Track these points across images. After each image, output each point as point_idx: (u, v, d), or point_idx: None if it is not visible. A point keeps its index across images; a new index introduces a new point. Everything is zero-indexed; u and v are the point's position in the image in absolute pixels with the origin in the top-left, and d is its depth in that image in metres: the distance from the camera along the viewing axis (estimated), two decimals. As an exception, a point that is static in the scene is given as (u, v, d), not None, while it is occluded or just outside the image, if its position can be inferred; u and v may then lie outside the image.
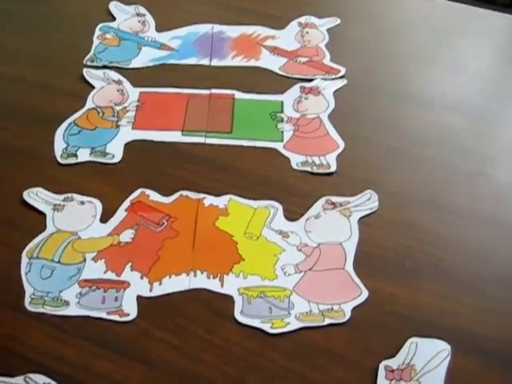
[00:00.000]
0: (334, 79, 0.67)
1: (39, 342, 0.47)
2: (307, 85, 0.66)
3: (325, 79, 0.67)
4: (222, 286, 0.50)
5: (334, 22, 0.74)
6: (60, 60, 0.70)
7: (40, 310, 0.49)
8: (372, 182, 0.58)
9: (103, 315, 0.49)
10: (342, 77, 0.67)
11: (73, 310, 0.49)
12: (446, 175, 0.60)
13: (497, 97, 0.68)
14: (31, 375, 0.45)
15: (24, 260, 0.52)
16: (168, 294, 0.50)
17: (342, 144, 0.61)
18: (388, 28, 0.76)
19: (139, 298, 0.50)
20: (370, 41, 0.73)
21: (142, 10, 0.76)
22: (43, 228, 0.54)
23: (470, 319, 0.49)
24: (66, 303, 0.49)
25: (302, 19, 0.75)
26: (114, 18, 0.75)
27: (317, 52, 0.70)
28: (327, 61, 0.69)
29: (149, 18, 0.74)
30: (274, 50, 0.70)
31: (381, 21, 0.77)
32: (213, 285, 0.50)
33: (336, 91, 0.66)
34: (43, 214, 0.55)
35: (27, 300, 0.49)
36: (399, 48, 0.73)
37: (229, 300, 0.50)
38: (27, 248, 0.53)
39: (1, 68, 0.69)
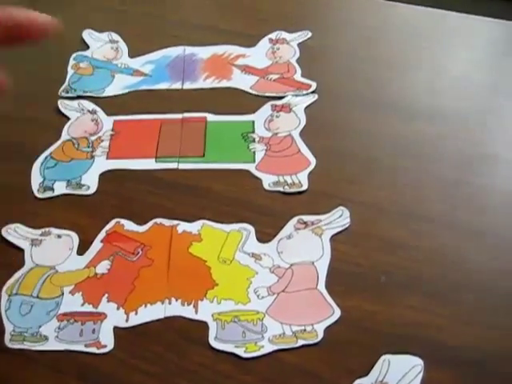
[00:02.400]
0: (305, 95, 0.67)
1: (19, 379, 0.48)
2: (278, 102, 0.67)
3: (296, 95, 0.67)
4: (196, 312, 0.51)
5: (305, 35, 0.75)
6: (35, 92, 0.71)
7: (20, 346, 0.50)
8: (344, 197, 0.58)
9: (81, 348, 0.50)
10: (313, 92, 0.68)
11: (52, 345, 0.50)
12: (421, 186, 0.60)
13: (477, 104, 0.68)
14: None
15: (4, 297, 0.53)
16: (144, 323, 0.51)
17: (313, 161, 0.61)
18: (361, 36, 0.76)
19: (116, 329, 0.51)
20: (342, 51, 0.74)
21: (115, 36, 0.77)
22: (22, 264, 0.55)
23: (445, 331, 0.49)
24: (46, 338, 0.50)
25: (273, 35, 0.75)
26: (87, 46, 0.76)
27: (288, 68, 0.70)
28: (298, 76, 0.70)
29: (122, 44, 0.75)
30: (245, 69, 0.71)
31: (353, 29, 0.77)
32: (187, 312, 0.51)
33: (307, 107, 0.66)
34: (22, 250, 0.56)
35: (7, 337, 0.50)
36: (372, 56, 0.73)
37: (203, 326, 0.50)
38: (7, 285, 0.54)
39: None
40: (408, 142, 0.64)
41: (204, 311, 0.51)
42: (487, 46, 0.78)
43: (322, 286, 0.52)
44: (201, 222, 0.57)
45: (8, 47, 0.40)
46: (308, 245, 0.55)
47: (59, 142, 0.65)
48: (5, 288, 0.54)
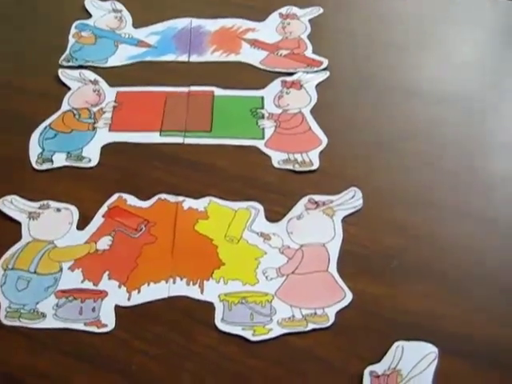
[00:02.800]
0: (316, 72, 0.65)
1: (16, 357, 0.46)
2: (288, 79, 0.64)
3: (307, 72, 0.65)
4: (201, 292, 0.49)
5: (316, 11, 0.72)
6: (35, 60, 0.68)
7: (16, 323, 0.47)
8: (356, 178, 0.56)
9: (81, 327, 0.47)
10: (324, 69, 0.65)
11: (50, 323, 0.48)
12: (433, 170, 0.58)
13: (489, 87, 0.66)
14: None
15: (-1, 272, 0.51)
16: (147, 303, 0.49)
17: (324, 140, 0.59)
18: (373, 17, 0.74)
19: (117, 308, 0.48)
20: (354, 31, 0.71)
21: (119, 5, 0.74)
22: (19, 237, 0.53)
23: (457, 320, 0.47)
24: (43, 315, 0.48)
25: (283, 10, 0.73)
26: (90, 15, 0.73)
27: (298, 44, 0.68)
28: (309, 53, 0.67)
29: (125, 13, 0.72)
30: (255, 43, 0.68)
31: (365, 10, 0.75)
32: (193, 291, 0.49)
33: (318, 84, 0.64)
34: (18, 223, 0.54)
35: (3, 313, 0.48)
36: (385, 37, 0.71)
37: (209, 307, 0.48)
38: (2, 259, 0.51)
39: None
40: (421, 126, 0.62)
41: (210, 291, 0.49)
42: (500, 28, 0.76)
43: (333, 269, 0.50)
44: (207, 198, 0.55)
45: None
46: (319, 226, 0.53)
47: (59, 113, 0.62)
48: (0, 262, 0.51)
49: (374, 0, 0.76)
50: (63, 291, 0.49)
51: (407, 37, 0.71)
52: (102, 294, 0.49)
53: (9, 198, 0.55)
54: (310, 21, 0.71)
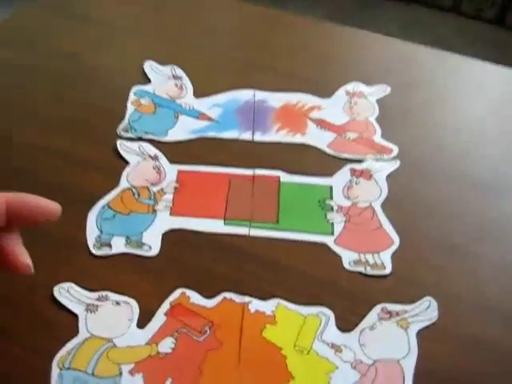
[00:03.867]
0: (386, 160, 0.62)
1: None
2: (358, 167, 0.61)
3: (376, 160, 0.62)
4: (270, 410, 0.46)
5: (383, 90, 0.69)
6: (90, 128, 0.65)
7: (72, 433, 0.45)
8: (430, 286, 0.53)
9: None
10: (394, 157, 0.63)
11: None
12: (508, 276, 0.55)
13: None
14: None
15: (54, 371, 0.48)
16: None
17: (396, 240, 0.56)
18: (442, 97, 0.71)
19: (180, 422, 0.45)
20: (422, 113, 0.68)
21: (179, 71, 0.71)
22: (74, 331, 0.50)
23: None
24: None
25: (350, 87, 0.70)
26: (149, 80, 0.70)
27: (367, 127, 0.65)
28: (378, 138, 0.64)
29: (186, 81, 0.70)
30: (321, 124, 0.65)
31: (433, 88, 0.72)
32: (261, 409, 0.46)
33: (389, 175, 0.61)
34: (74, 315, 0.51)
35: (59, 422, 0.45)
36: (455, 121, 0.68)
37: (279, 428, 0.45)
38: (58, 356, 0.48)
39: (30, 136, 0.65)
40: (494, 226, 0.58)
41: (279, 410, 0.46)
42: None
43: (408, 391, 0.47)
44: (275, 301, 0.52)
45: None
46: (393, 339, 0.50)
47: (118, 190, 0.59)
48: (56, 360, 0.48)
49: (442, 79, 0.73)
50: (123, 400, 0.47)
51: (477, 119, 0.68)
52: (165, 407, 0.46)
53: (65, 285, 0.52)
54: (377, 101, 0.68)
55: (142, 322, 0.51)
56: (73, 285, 0.52)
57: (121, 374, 0.48)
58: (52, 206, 0.40)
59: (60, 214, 0.41)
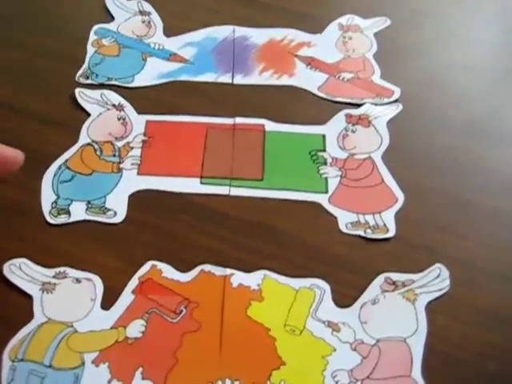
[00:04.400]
0: (386, 104, 0.54)
1: None
2: (354, 112, 0.53)
3: (375, 104, 0.54)
4: (258, 402, 0.40)
5: (382, 23, 0.60)
6: (46, 74, 0.56)
7: None
8: (440, 250, 0.46)
9: None
10: (395, 100, 0.54)
11: None
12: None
13: None
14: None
15: (6, 363, 0.41)
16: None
17: (400, 197, 0.49)
18: (452, 32, 0.62)
19: (154, 420, 0.39)
20: (427, 48, 0.60)
21: (147, 6, 0.62)
22: (29, 316, 0.43)
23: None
24: (62, 426, 0.39)
25: (343, 20, 0.61)
26: (112, 18, 0.61)
27: (363, 65, 0.57)
28: (377, 78, 0.56)
29: (155, 17, 0.60)
30: (311, 63, 0.57)
31: (442, 23, 0.63)
32: (247, 400, 0.40)
33: (389, 121, 0.53)
34: (29, 296, 0.44)
35: (10, 425, 0.39)
36: (465, 59, 0.59)
37: (268, 425, 0.39)
38: (9, 346, 0.41)
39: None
40: (510, 178, 0.51)
41: (268, 401, 0.40)
42: None
43: (417, 374, 0.41)
44: (261, 272, 0.45)
45: None
46: (398, 314, 0.44)
47: (77, 147, 0.51)
48: (7, 350, 0.41)
49: (447, 10, 0.64)
50: (86, 395, 0.40)
51: (491, 60, 0.60)
52: (135, 402, 0.40)
53: (17, 261, 0.45)
54: (375, 35, 0.60)
55: (107, 302, 0.44)
56: (25, 260, 0.45)
57: (83, 364, 0.41)
58: (12, 153, 0.36)
59: (22, 163, 0.36)
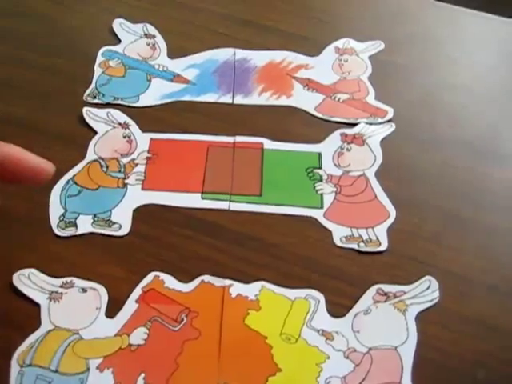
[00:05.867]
0: (380, 124, 0.56)
1: None
2: (349, 131, 0.56)
3: (370, 123, 0.56)
4: (255, 407, 0.42)
5: (377, 46, 0.63)
6: (54, 93, 0.59)
7: None
8: (430, 263, 0.48)
9: None
10: (388, 120, 0.57)
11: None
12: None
13: None
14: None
15: (14, 368, 0.43)
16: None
17: (393, 212, 0.51)
18: (443, 54, 0.64)
19: (156, 423, 0.41)
20: (419, 71, 0.62)
21: (152, 29, 0.64)
22: (37, 323, 0.45)
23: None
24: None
25: (340, 43, 0.63)
26: (118, 40, 0.63)
27: (358, 87, 0.59)
28: (371, 99, 0.58)
29: (159, 40, 0.63)
30: (309, 84, 0.59)
31: (430, 44, 0.66)
32: (244, 405, 0.42)
33: (383, 140, 0.55)
34: (36, 304, 0.46)
35: (18, 426, 0.41)
36: (456, 80, 0.62)
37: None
38: (18, 352, 0.43)
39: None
40: (504, 197, 0.53)
41: (265, 406, 0.42)
42: None
43: (406, 381, 0.43)
44: (259, 283, 0.47)
45: None
46: (389, 324, 0.46)
47: (84, 163, 0.53)
48: (15, 356, 0.43)
49: (440, 33, 0.67)
50: (90, 400, 0.42)
51: (479, 78, 0.62)
52: (137, 406, 0.42)
53: (26, 272, 0.47)
54: (370, 58, 0.62)
55: (112, 311, 0.46)
56: (34, 271, 0.47)
57: (88, 369, 0.43)
58: (44, 165, 0.34)
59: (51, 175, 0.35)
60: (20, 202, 0.50)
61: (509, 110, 0.60)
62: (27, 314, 0.45)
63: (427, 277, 0.47)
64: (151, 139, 0.55)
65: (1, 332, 0.44)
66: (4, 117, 0.57)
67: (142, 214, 0.51)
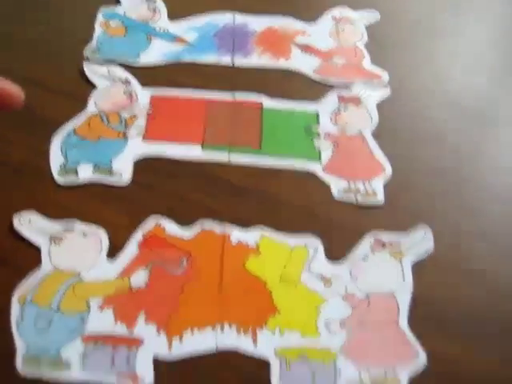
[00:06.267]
0: (376, 86, 0.57)
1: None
2: (346, 93, 0.57)
3: (365, 85, 0.57)
4: (255, 343, 0.42)
5: (373, 17, 0.64)
6: (55, 49, 0.59)
7: (35, 373, 0.40)
8: (425, 214, 0.50)
9: (113, 380, 0.40)
10: (384, 85, 0.58)
11: (75, 374, 0.40)
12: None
13: None
14: None
15: (15, 306, 0.43)
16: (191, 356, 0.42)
17: (388, 167, 0.52)
18: (437, 25, 0.66)
19: (156, 360, 0.41)
20: (416, 40, 0.63)
21: (153, -7, 0.65)
22: (37, 265, 0.45)
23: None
24: (67, 364, 0.41)
25: (337, 12, 0.64)
26: (117, 1, 0.64)
27: (355, 53, 0.60)
28: (367, 63, 0.60)
29: (160, 4, 0.64)
30: (307, 49, 0.60)
31: (426, 13, 0.67)
32: (244, 343, 0.42)
33: (379, 103, 0.56)
34: (37, 247, 0.46)
35: (19, 361, 0.41)
36: (449, 48, 0.63)
37: (264, 365, 0.41)
38: (19, 291, 0.43)
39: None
40: (493, 155, 0.55)
41: (265, 344, 0.42)
42: None
43: (403, 323, 0.44)
44: (259, 231, 0.48)
45: None
46: (387, 270, 0.47)
47: (85, 114, 0.54)
48: (16, 295, 0.43)
49: (432, 8, 0.68)
50: (91, 336, 0.42)
51: (476, 49, 0.64)
52: (137, 342, 0.42)
53: (26, 215, 0.47)
54: (366, 27, 0.63)
55: (112, 254, 0.46)
56: (35, 214, 0.47)
57: (89, 308, 0.43)
58: (15, 90, 0.35)
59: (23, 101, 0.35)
60: (20, 150, 0.51)
61: (500, 74, 0.61)
62: (27, 257, 0.45)
63: (422, 227, 0.48)
64: (151, 95, 0.55)
65: (1, 273, 0.44)
66: (6, 70, 0.57)
67: (143, 164, 0.51)
